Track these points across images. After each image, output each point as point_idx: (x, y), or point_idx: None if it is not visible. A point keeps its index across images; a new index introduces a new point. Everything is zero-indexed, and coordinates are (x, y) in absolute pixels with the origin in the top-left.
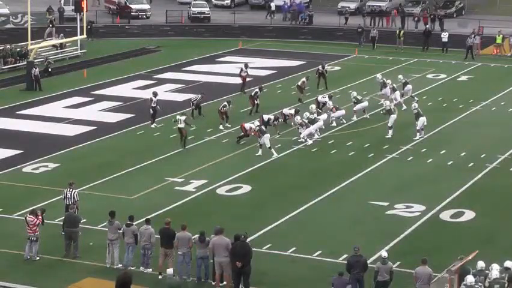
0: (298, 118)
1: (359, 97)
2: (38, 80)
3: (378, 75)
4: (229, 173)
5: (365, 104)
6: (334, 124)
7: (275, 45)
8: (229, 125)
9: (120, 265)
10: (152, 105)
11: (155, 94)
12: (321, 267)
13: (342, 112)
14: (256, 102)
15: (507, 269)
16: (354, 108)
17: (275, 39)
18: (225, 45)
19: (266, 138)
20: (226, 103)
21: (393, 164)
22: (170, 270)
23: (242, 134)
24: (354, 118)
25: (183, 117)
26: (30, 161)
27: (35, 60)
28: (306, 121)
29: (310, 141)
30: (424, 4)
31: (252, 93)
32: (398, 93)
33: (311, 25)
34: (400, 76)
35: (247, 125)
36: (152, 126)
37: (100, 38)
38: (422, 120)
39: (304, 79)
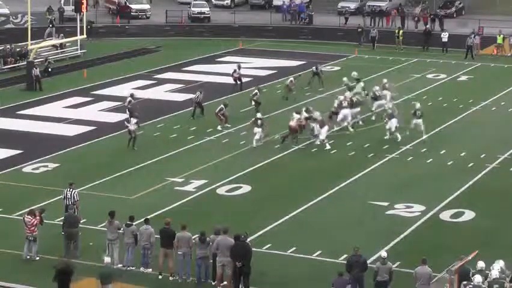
0: (317, 114)
1: (378, 93)
2: (38, 80)
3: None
4: (229, 173)
5: (382, 101)
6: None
7: (275, 45)
8: (229, 125)
9: (120, 265)
10: (128, 106)
11: (132, 95)
12: (321, 267)
13: (357, 110)
14: (258, 101)
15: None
16: (373, 108)
17: (275, 39)
18: (225, 45)
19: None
20: (222, 106)
21: (393, 164)
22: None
23: (288, 133)
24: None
25: (134, 120)
26: (30, 161)
27: (35, 60)
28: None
29: (328, 146)
30: (424, 4)
31: (251, 95)
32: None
33: (311, 25)
34: (377, 87)
35: (293, 123)
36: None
37: (100, 38)
38: (394, 122)
39: (292, 78)
